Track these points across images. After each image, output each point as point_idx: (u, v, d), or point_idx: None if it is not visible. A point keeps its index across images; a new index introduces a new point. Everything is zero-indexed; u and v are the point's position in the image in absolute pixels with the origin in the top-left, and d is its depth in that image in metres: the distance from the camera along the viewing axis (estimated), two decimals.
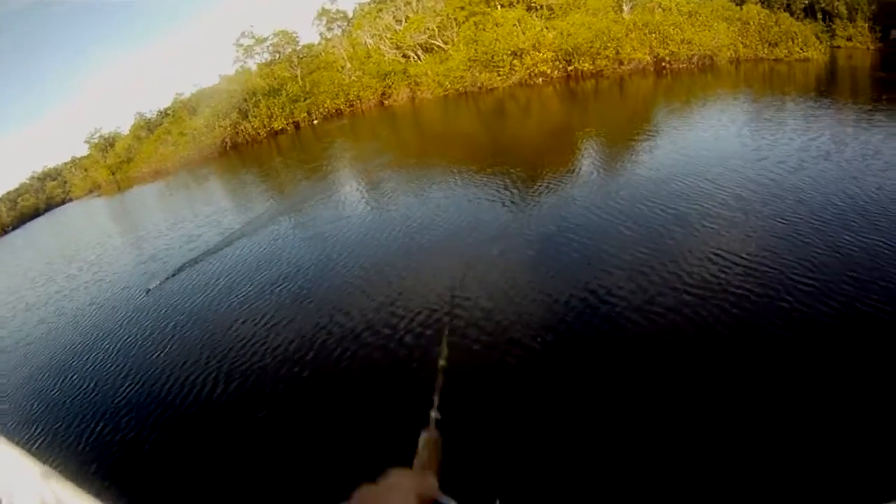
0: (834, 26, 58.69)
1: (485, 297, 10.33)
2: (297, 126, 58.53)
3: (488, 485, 6.02)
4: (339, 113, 57.72)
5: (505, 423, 7.15)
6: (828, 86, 34.17)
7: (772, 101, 26.47)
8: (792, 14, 54.69)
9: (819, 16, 59.99)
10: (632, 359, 7.93)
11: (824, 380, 6.93)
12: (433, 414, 1.75)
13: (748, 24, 44.73)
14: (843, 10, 58.62)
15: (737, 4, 55.91)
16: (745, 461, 5.95)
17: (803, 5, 62.43)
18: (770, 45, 43.65)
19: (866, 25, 57.51)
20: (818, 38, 49.56)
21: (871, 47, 56.35)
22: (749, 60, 43.36)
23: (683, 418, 6.66)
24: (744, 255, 10.22)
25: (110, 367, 12.26)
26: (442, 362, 2.19)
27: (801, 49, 43.29)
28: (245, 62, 67.26)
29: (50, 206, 79.10)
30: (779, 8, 58.85)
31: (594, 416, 6.97)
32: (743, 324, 8.25)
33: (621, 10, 48.17)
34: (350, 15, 72.82)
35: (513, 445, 6.74)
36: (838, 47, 54.60)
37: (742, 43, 43.36)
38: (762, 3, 61.35)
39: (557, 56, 43.66)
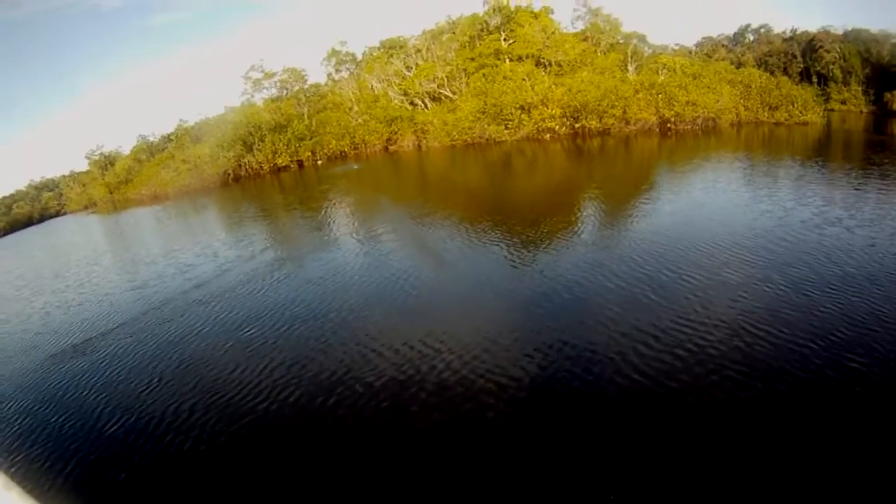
0: (829, 90, 60.72)
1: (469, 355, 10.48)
2: (300, 164, 58.93)
3: None
4: (343, 155, 58.25)
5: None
6: (828, 149, 35.04)
7: (774, 165, 27.23)
8: (789, 77, 56.54)
9: (814, 80, 62.17)
10: (620, 421, 8.06)
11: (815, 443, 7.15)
12: None
13: (750, 87, 45.93)
14: (838, 73, 60.72)
15: (736, 67, 57.93)
16: None
17: (799, 69, 64.73)
18: (771, 108, 44.76)
19: (860, 89, 59.51)
20: (815, 101, 50.83)
21: (864, 110, 58.20)
22: (750, 123, 44.42)
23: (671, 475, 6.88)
24: (733, 318, 10.48)
25: (85, 387, 12.18)
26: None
27: (801, 112, 44.38)
28: (252, 95, 68.54)
29: (44, 216, 78.67)
30: (775, 71, 60.96)
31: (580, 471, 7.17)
32: (731, 387, 8.45)
33: (627, 70, 49.59)
34: (358, 58, 74.42)
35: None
36: (832, 110, 56.27)
37: (744, 106, 44.45)
38: (759, 66, 63.64)
39: (565, 112, 44.59)
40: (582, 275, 13.93)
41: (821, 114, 46.14)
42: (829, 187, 21.18)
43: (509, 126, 47.00)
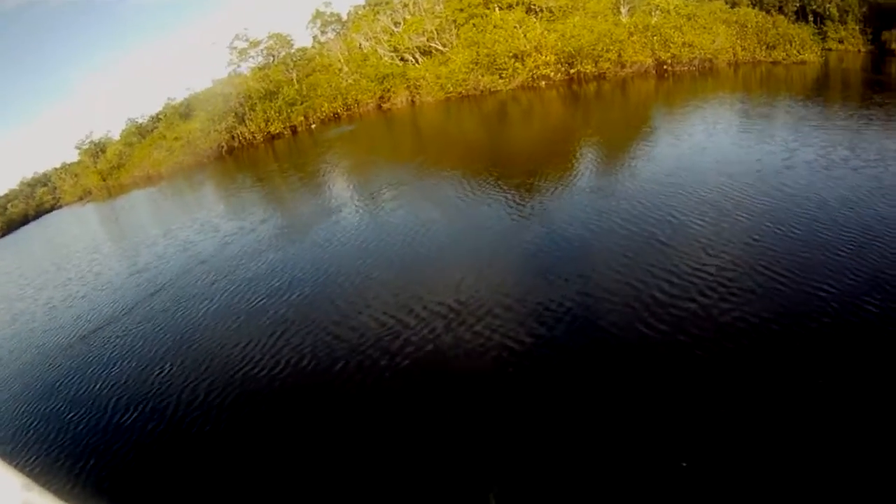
0: (825, 29, 59.50)
1: (476, 305, 10.60)
2: (294, 130, 57.98)
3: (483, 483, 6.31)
4: (336, 117, 57.29)
5: (502, 428, 7.37)
6: (828, 89, 34.85)
7: (774, 105, 26.85)
8: (785, 17, 55.43)
9: (810, 18, 60.93)
10: (627, 370, 8.10)
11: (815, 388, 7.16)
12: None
13: (746, 26, 45.17)
14: (834, 12, 59.44)
15: (731, 7, 56.74)
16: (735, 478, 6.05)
17: (795, 8, 63.36)
18: (768, 47, 44.13)
19: (857, 28, 58.36)
20: (812, 40, 50.02)
21: (862, 49, 57.19)
22: (747, 63, 43.84)
23: (677, 429, 6.87)
24: (744, 261, 10.53)
25: (97, 380, 12.20)
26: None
27: (798, 52, 43.79)
28: (239, 66, 66.76)
29: (40, 212, 77.58)
30: (771, 10, 59.72)
31: (586, 424, 7.19)
32: (747, 331, 8.47)
33: (619, 13, 48.48)
34: (344, 18, 72.78)
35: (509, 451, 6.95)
36: (830, 50, 55.35)
37: (740, 46, 43.70)
38: (754, 5, 62.27)
39: (560, 59, 43.74)
40: (586, 223, 13.97)
41: (818, 53, 45.60)
42: (830, 127, 20.93)
43: (503, 75, 46.13)
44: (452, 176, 21.97)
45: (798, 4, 63.79)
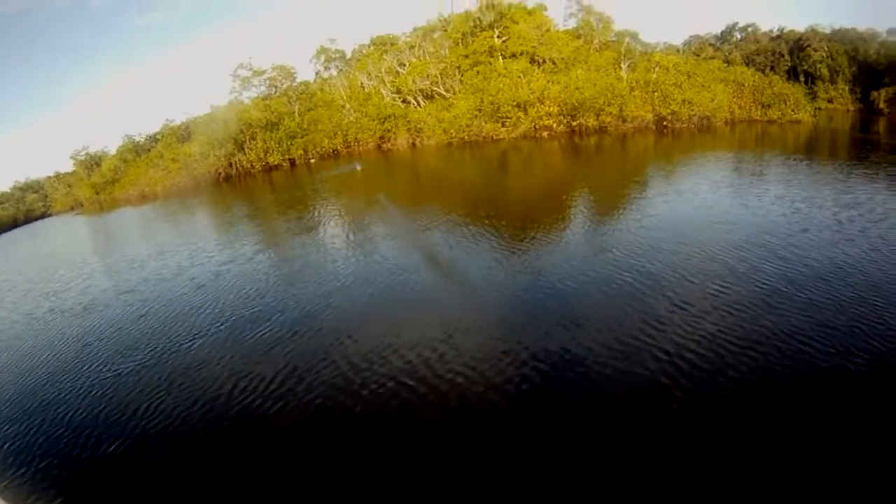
0: (816, 88, 61.43)
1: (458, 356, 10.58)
2: (292, 163, 58.20)
3: None
4: (336, 153, 57.62)
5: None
6: (825, 148, 35.53)
7: (774, 164, 27.44)
8: (775, 76, 57.07)
9: (801, 78, 62.90)
10: (617, 418, 8.18)
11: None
12: None
13: (743, 85, 46.36)
14: (825, 72, 61.47)
15: (726, 65, 58.35)
16: None
17: (786, 67, 65.42)
18: (763, 106, 45.25)
19: (847, 87, 60.37)
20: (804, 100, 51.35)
21: (851, 108, 59.05)
22: (743, 121, 44.86)
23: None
24: (717, 316, 10.77)
25: (76, 394, 12.00)
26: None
27: (793, 111, 44.93)
28: (240, 94, 67.21)
29: (29, 218, 76.82)
30: (764, 70, 61.52)
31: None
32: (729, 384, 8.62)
33: (620, 68, 49.64)
34: (348, 56, 73.74)
35: None
36: (820, 108, 56.87)
37: (737, 105, 44.81)
38: (747, 64, 64.16)
39: (562, 110, 44.58)
40: (576, 274, 14.07)
41: (811, 112, 46.75)
42: (830, 184, 21.60)
43: (507, 124, 46.92)
44: (451, 221, 21.95)
45: (789, 64, 66.01)
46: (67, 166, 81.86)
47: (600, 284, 13.11)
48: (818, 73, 61.81)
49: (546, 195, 26.57)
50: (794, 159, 28.88)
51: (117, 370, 12.80)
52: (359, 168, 44.50)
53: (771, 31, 73.49)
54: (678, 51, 74.15)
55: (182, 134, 69.14)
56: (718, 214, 18.25)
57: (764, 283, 12.06)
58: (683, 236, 16.13)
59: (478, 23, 56.37)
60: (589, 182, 27.82)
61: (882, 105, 53.34)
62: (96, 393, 11.79)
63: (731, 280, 12.44)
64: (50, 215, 76.76)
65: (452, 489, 7.22)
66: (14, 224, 73.99)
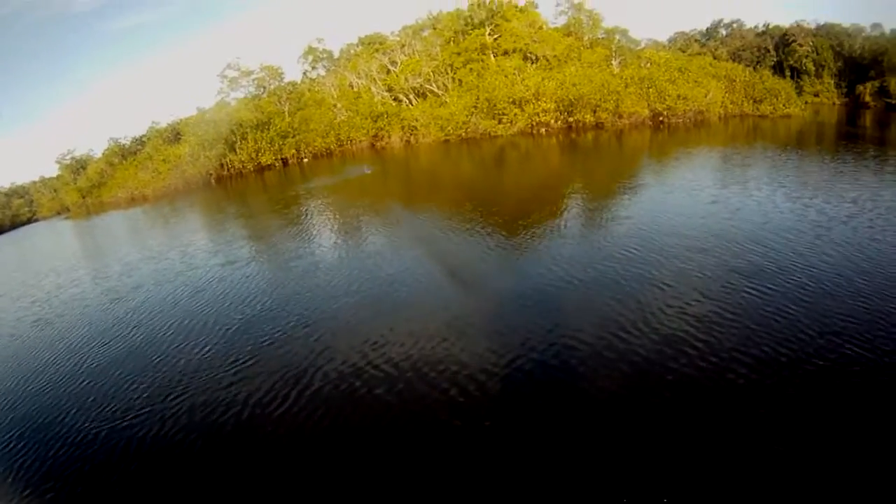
0: (802, 83, 62.27)
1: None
2: (285, 163, 57.67)
3: None
4: (329, 153, 57.20)
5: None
6: (818, 140, 36.11)
7: (768, 157, 27.79)
8: (760, 71, 57.78)
9: (787, 73, 63.73)
10: (613, 409, 8.19)
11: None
12: None
13: (734, 81, 46.77)
14: (811, 67, 62.37)
15: (714, 58, 58.96)
16: None
17: (772, 63, 66.27)
18: (755, 101, 45.72)
19: (832, 81, 61.29)
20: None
21: (837, 102, 59.98)
22: (736, 116, 45.31)
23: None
24: (711, 307, 10.86)
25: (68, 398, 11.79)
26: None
27: (784, 105, 45.50)
28: (228, 94, 66.43)
29: (15, 223, 75.20)
30: (753, 65, 62.30)
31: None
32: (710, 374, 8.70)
33: (611, 65, 49.89)
34: (336, 55, 73.30)
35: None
36: (806, 103, 57.77)
37: (729, 100, 45.23)
38: (733, 60, 64.82)
39: (559, 107, 44.63)
40: (571, 268, 14.11)
41: (801, 107, 47.39)
42: (824, 175, 22.21)
43: (503, 121, 46.86)
44: (452, 219, 21.98)
45: (775, 60, 66.89)
46: (53, 171, 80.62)
47: (599, 277, 13.20)
48: (804, 68, 62.67)
49: (546, 190, 26.60)
50: (789, 151, 29.41)
51: (110, 378, 12.47)
52: (368, 171, 41.16)
53: (756, 26, 74.64)
54: (665, 47, 74.85)
55: (169, 136, 68.21)
56: (720, 207, 18.29)
57: (767, 274, 12.18)
58: (682, 228, 16.24)
59: (469, 21, 56.20)
60: (586, 177, 27.97)
61: (868, 98, 54.20)
62: (90, 399, 11.55)
63: (733, 272, 12.52)
64: (36, 220, 75.31)
65: (452, 481, 7.24)
66: (0, 229, 72.36)
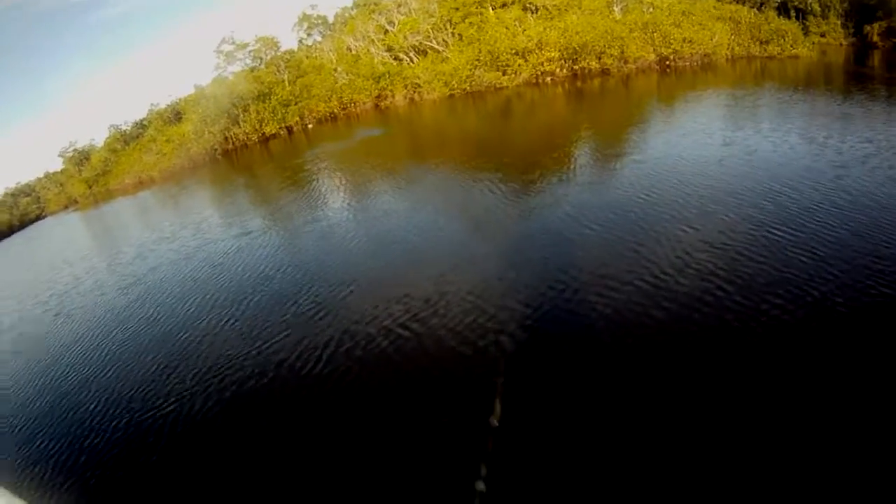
0: (807, 23, 61.06)
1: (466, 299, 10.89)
2: (289, 130, 57.34)
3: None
4: (333, 116, 56.79)
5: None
6: (828, 80, 35.73)
7: (784, 99, 27.19)
8: (764, 12, 56.70)
9: (792, 14, 62.48)
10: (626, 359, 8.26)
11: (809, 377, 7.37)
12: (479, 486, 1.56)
13: (739, 23, 46.05)
14: (816, 7, 60.98)
15: (719, 1, 57.81)
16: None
17: (776, 3, 64.90)
18: (762, 43, 45.09)
19: (839, 22, 60.05)
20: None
21: (844, 43, 58.85)
22: (743, 58, 44.77)
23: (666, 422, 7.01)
24: (726, 252, 10.87)
25: (85, 389, 12.03)
26: (494, 422, 1.95)
27: (792, 46, 44.86)
28: (225, 69, 65.74)
29: (24, 222, 75.00)
30: (753, 6, 61.05)
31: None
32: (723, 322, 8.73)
33: (612, 11, 48.99)
34: (330, 20, 72.26)
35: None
36: (813, 44, 56.86)
37: (736, 42, 44.59)
38: (738, 1, 63.53)
39: (563, 55, 44.02)
40: (590, 212, 14.21)
41: (809, 47, 46.70)
42: (827, 117, 21.54)
43: (507, 72, 46.28)
44: (460, 171, 22.09)
45: (779, 0, 65.56)
46: (56, 165, 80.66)
47: (620, 221, 13.26)
48: (809, 9, 61.20)
49: (557, 138, 26.41)
50: (800, 92, 29.14)
51: (140, 363, 12.67)
52: (377, 133, 41.56)
53: None
54: None
55: (170, 116, 67.97)
56: (736, 150, 18.04)
57: (791, 214, 12.16)
58: (698, 171, 16.15)
59: None
60: (597, 124, 27.65)
61: (876, 38, 53.11)
62: (122, 387, 11.75)
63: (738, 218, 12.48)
64: (45, 216, 75.19)
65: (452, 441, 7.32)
66: (10, 230, 72.16)
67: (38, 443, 10.33)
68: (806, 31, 58.14)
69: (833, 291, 8.92)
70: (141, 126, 73.16)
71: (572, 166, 19.29)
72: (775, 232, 11.28)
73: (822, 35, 60.34)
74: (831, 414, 6.62)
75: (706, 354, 8.01)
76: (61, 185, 77.21)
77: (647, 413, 7.10)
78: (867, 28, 54.89)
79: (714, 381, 7.48)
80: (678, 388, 7.44)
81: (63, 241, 41.57)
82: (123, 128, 74.30)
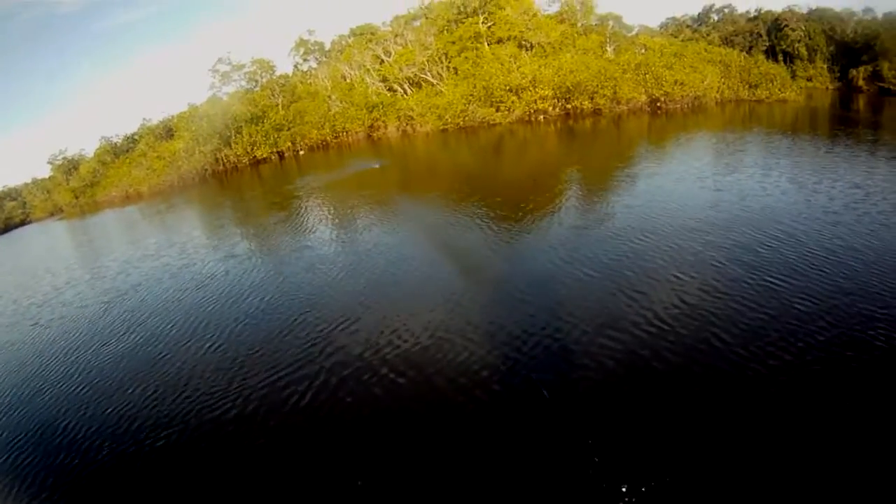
0: (795, 68, 62.40)
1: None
2: (281, 156, 57.21)
3: None
4: (325, 144, 56.82)
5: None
6: (812, 125, 36.36)
7: (764, 139, 28.05)
8: (753, 56, 57.90)
9: (780, 58, 63.87)
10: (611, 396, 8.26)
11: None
12: None
13: (730, 66, 46.82)
14: (803, 51, 62.50)
15: (707, 44, 58.99)
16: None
17: (764, 48, 66.40)
18: (750, 86, 45.82)
19: (825, 66, 61.47)
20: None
21: (830, 87, 60.18)
22: (732, 101, 45.40)
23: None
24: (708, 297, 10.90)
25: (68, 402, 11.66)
26: None
27: (780, 90, 45.67)
28: (220, 89, 65.96)
29: (9, 226, 73.96)
30: (749, 50, 62.42)
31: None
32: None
33: (606, 51, 49.83)
34: (327, 47, 72.84)
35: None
36: (800, 87, 57.92)
37: (726, 85, 45.30)
38: (726, 45, 64.91)
39: (556, 94, 44.52)
40: (578, 257, 14.07)
41: (797, 91, 47.54)
42: (817, 162, 22.10)
43: (501, 108, 46.68)
44: (460, 207, 21.77)
45: (767, 44, 67.01)
46: (44, 172, 79.36)
47: (609, 267, 13.14)
48: (796, 53, 62.77)
49: (547, 178, 26.49)
50: (789, 136, 29.61)
51: (111, 378, 12.32)
52: (377, 166, 39.39)
53: (748, 11, 74.62)
54: (657, 33, 74.81)
55: (162, 133, 67.56)
56: (728, 195, 18.12)
57: (785, 262, 12.16)
58: (690, 216, 16.12)
59: (462, 9, 55.79)
60: (588, 164, 27.82)
61: (861, 83, 54.41)
62: (91, 400, 11.44)
63: (729, 260, 12.57)
64: (30, 222, 74.18)
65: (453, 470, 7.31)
66: None
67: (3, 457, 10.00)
68: (793, 75, 59.30)
69: (832, 340, 8.86)
70: (132, 140, 72.53)
71: (565, 209, 19.10)
72: (771, 280, 11.20)
73: (809, 79, 61.73)
74: (829, 454, 6.66)
75: (705, 402, 7.92)
76: (48, 192, 76.05)
77: (641, 461, 6.98)
78: (853, 72, 56.17)
79: (712, 429, 7.40)
80: (674, 437, 7.34)
81: (46, 249, 40.80)
82: (114, 140, 73.87)
